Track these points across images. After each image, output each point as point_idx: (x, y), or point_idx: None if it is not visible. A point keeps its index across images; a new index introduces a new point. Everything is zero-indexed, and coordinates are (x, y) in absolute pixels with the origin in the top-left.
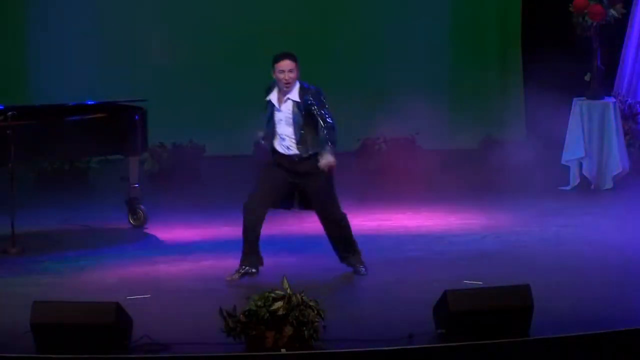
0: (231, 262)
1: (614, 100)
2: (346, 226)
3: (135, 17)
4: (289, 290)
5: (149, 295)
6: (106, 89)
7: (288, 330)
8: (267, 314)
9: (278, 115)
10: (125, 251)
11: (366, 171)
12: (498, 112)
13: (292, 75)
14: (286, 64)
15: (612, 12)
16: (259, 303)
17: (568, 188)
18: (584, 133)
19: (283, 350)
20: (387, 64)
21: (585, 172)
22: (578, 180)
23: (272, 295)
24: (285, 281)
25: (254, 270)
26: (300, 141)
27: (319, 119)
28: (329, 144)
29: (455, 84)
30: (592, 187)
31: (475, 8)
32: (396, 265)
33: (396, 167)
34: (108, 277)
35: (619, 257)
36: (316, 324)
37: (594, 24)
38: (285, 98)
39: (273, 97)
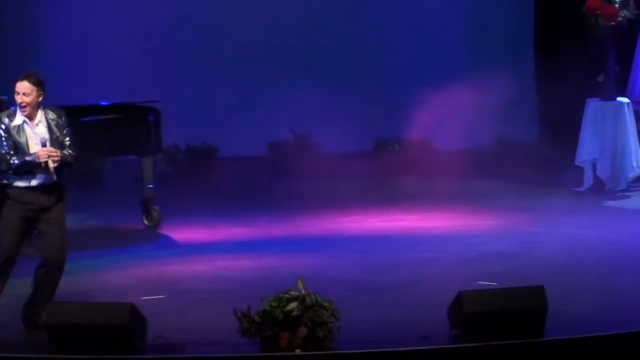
0: (245, 263)
1: (627, 101)
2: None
3: (150, 18)
4: (303, 291)
5: (163, 296)
6: (120, 90)
7: (302, 330)
8: (282, 315)
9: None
10: (139, 252)
11: (380, 172)
12: (511, 112)
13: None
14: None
15: (625, 13)
16: (274, 303)
17: (582, 189)
18: (598, 134)
19: (297, 351)
20: (403, 64)
21: (599, 173)
22: (592, 181)
23: (287, 295)
24: (300, 282)
25: None
26: None
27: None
28: None
29: (469, 84)
30: (606, 188)
31: (489, 8)
32: (411, 266)
33: (411, 167)
34: (123, 278)
35: (633, 258)
36: (330, 324)
37: (607, 25)
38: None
39: None
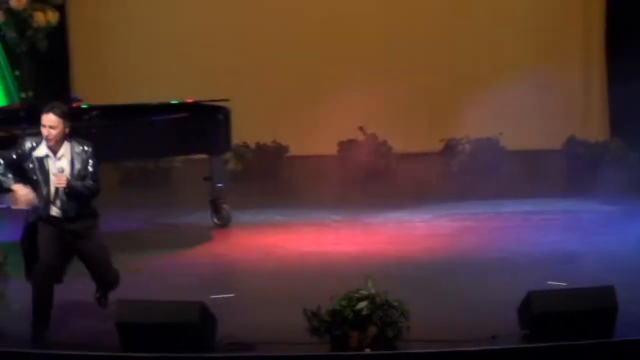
0: (315, 262)
1: None
2: None
3: (221, 16)
4: (373, 291)
5: (233, 295)
6: (190, 88)
7: (372, 330)
8: (352, 314)
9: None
10: (209, 250)
11: (449, 172)
12: (581, 111)
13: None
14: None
15: None
16: (344, 303)
17: None
18: None
19: (367, 350)
20: (472, 63)
21: None
22: None
23: (357, 295)
24: (370, 281)
25: None
26: None
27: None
28: None
29: (537, 82)
30: None
31: (558, 6)
32: (479, 267)
33: (480, 167)
34: (192, 277)
35: None
36: (400, 324)
37: None
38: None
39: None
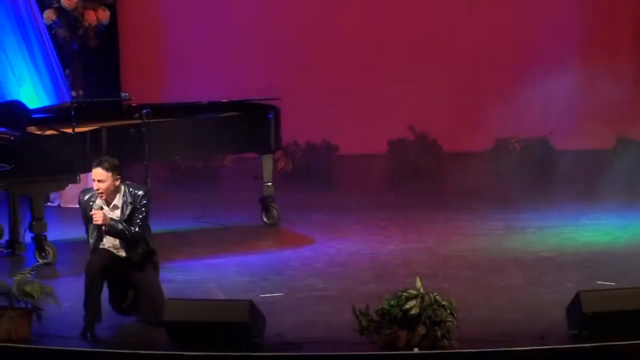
0: (363, 261)
1: None
2: None
3: (271, 16)
4: (421, 290)
5: (282, 294)
6: (240, 87)
7: (421, 329)
8: (400, 313)
9: None
10: (258, 249)
11: (499, 171)
12: (632, 111)
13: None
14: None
15: None
16: (392, 302)
17: None
18: None
19: (416, 350)
20: (521, 61)
21: None
22: None
23: (405, 294)
24: (418, 280)
25: None
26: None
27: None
28: None
29: (588, 81)
30: None
31: (610, 5)
32: (527, 266)
33: (529, 167)
34: (241, 275)
35: None
36: (449, 323)
37: None
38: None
39: None
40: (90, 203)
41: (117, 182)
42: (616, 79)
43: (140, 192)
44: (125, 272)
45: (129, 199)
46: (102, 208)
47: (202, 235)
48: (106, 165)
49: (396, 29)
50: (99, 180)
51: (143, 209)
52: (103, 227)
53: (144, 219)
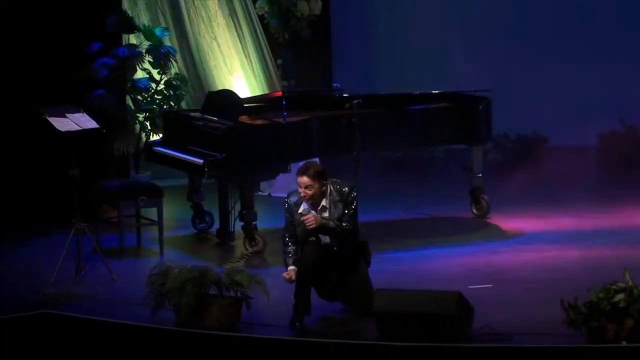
0: (572, 253)
1: None
2: None
3: (484, 6)
4: (630, 283)
5: (491, 285)
6: (452, 78)
7: (629, 322)
8: (609, 306)
9: None
10: (467, 240)
11: (603, 166)
12: None
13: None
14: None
15: None
16: (601, 295)
17: None
18: None
19: (624, 343)
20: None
21: None
22: None
23: (614, 287)
24: (627, 273)
25: None
26: None
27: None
28: None
29: None
30: None
31: None
32: None
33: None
34: (450, 266)
35: None
36: None
37: None
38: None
39: None
40: (296, 207)
41: (324, 188)
42: None
43: (346, 189)
44: (336, 264)
45: (336, 197)
46: (309, 212)
47: (412, 225)
48: (311, 172)
49: (606, 20)
50: (305, 187)
51: (351, 205)
52: (313, 229)
53: (354, 214)
